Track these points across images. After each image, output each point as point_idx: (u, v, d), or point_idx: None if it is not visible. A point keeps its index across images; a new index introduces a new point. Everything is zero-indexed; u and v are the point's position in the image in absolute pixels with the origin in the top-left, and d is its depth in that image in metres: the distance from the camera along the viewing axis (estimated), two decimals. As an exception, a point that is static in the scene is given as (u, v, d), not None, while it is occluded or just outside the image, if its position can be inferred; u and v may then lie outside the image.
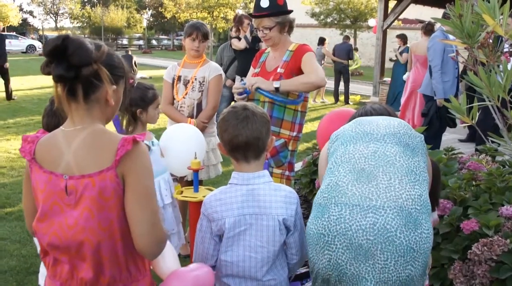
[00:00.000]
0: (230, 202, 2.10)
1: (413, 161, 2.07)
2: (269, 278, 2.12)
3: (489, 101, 2.44)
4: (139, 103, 3.02)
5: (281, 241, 2.10)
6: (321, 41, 14.25)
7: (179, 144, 3.32)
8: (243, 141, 2.07)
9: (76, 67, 1.55)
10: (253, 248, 2.09)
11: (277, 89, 3.30)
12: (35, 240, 2.53)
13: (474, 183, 3.60)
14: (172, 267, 1.93)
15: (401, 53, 11.87)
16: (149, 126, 3.31)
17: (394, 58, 12.49)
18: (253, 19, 3.54)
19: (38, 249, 2.52)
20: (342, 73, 13.91)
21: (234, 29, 7.46)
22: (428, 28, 8.24)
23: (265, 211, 2.08)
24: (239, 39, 7.22)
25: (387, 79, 13.00)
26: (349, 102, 13.71)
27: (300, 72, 3.41)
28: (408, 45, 11.82)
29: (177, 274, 1.90)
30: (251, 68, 3.79)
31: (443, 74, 6.26)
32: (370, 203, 1.94)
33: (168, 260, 1.93)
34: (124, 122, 3.06)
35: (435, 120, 6.21)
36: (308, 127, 9.80)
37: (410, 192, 1.97)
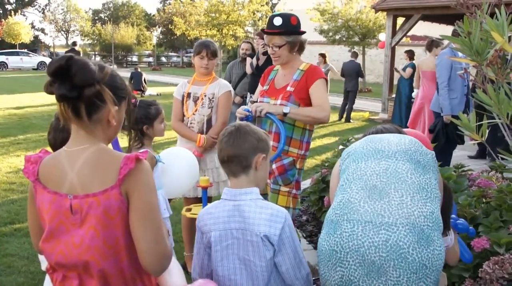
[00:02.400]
0: (218, 216, 2.19)
1: (424, 178, 2.08)
2: None
3: (499, 118, 2.43)
4: (144, 121, 3.16)
5: (267, 257, 2.11)
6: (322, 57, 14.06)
7: (173, 170, 3.38)
8: (225, 155, 2.18)
9: (79, 87, 1.56)
10: (241, 261, 2.14)
11: (285, 114, 3.32)
12: (40, 257, 2.53)
13: (484, 200, 3.57)
14: (178, 284, 1.93)
15: (405, 68, 11.90)
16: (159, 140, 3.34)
17: (399, 69, 12.44)
18: (264, 36, 3.56)
19: (43, 266, 2.53)
20: (349, 92, 13.77)
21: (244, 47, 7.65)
22: (428, 44, 8.43)
23: (248, 226, 2.12)
24: (251, 56, 7.38)
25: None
26: (350, 120, 13.58)
27: (308, 94, 3.42)
28: (413, 61, 11.88)
29: None
30: (259, 85, 3.81)
31: (451, 91, 6.27)
32: (383, 219, 1.94)
33: (174, 276, 1.93)
34: (130, 139, 3.14)
35: (441, 136, 6.21)
36: (316, 144, 9.78)
37: (422, 209, 1.97)
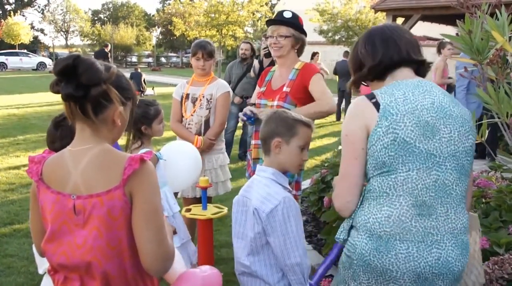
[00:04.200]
0: (246, 184, 2.47)
1: (464, 185, 2.12)
2: (249, 263, 2.31)
3: (498, 118, 2.43)
4: (143, 121, 3.17)
5: (255, 230, 2.27)
6: (312, 55, 13.92)
7: (178, 163, 3.36)
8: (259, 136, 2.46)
9: (85, 86, 1.56)
10: (247, 227, 2.36)
11: None
12: (38, 261, 2.52)
13: (484, 200, 3.57)
14: (179, 269, 1.93)
15: None
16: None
17: None
18: (269, 27, 3.56)
19: (40, 270, 2.52)
20: (344, 91, 13.73)
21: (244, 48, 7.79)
22: (438, 46, 8.61)
23: (250, 197, 2.34)
24: (251, 57, 7.52)
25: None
26: None
27: (306, 92, 3.42)
28: None
29: (186, 275, 1.91)
30: (257, 87, 3.80)
31: (470, 95, 6.25)
32: (433, 238, 2.04)
33: (178, 270, 1.92)
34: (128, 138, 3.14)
35: None
36: (316, 144, 9.78)
37: (463, 220, 2.09)
